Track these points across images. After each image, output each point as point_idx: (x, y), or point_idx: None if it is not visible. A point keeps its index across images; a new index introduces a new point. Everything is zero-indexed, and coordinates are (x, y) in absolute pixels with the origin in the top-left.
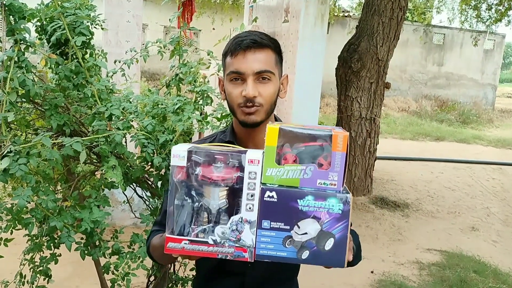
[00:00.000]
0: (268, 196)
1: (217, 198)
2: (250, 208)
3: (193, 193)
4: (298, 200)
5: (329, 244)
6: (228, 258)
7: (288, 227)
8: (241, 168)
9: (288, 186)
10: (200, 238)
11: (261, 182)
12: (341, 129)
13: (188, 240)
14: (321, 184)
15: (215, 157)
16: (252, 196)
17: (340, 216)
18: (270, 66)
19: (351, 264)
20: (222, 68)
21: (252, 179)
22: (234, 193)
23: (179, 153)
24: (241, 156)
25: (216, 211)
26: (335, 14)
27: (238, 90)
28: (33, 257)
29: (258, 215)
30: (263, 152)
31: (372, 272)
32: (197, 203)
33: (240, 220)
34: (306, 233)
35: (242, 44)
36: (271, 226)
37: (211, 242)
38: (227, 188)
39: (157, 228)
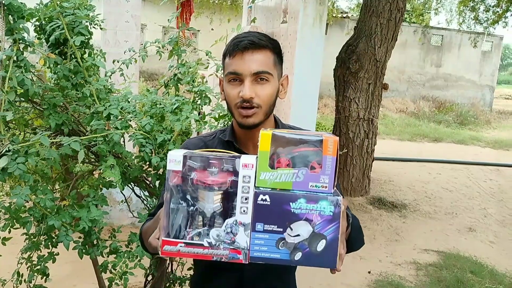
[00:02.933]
0: (262, 200)
1: (211, 202)
2: (244, 211)
3: (188, 197)
4: (291, 203)
5: (321, 246)
6: (222, 260)
7: (281, 229)
8: (235, 172)
9: (281, 189)
10: (195, 241)
11: (254, 186)
12: (331, 134)
13: (184, 242)
14: (312, 186)
15: (209, 162)
16: (246, 199)
17: (331, 218)
18: (268, 67)
19: (352, 249)
20: (222, 69)
21: (246, 183)
22: (229, 197)
23: (175, 158)
24: (235, 161)
25: (210, 214)
26: (334, 15)
27: (235, 90)
28: (31, 256)
29: (252, 218)
30: (257, 157)
31: (369, 272)
32: (192, 207)
33: (234, 222)
34: (298, 235)
35: (240, 45)
36: (265, 228)
37: (206, 244)
38: (222, 192)
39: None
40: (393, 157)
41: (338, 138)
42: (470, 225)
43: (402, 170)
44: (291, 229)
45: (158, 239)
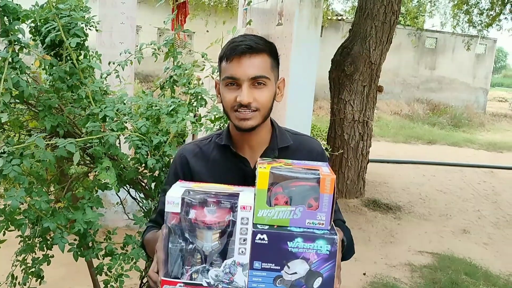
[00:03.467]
0: (259, 239)
1: (210, 241)
2: (242, 251)
3: (186, 235)
4: (288, 242)
5: (317, 283)
6: None
7: (279, 267)
8: (233, 209)
9: (279, 225)
10: (194, 279)
11: (252, 223)
12: (328, 168)
13: (183, 282)
14: (310, 223)
15: (208, 200)
16: (244, 240)
17: (328, 257)
18: (266, 71)
19: (344, 258)
20: (218, 71)
21: (244, 225)
22: (227, 235)
23: (173, 200)
24: (234, 202)
25: (209, 252)
26: (329, 17)
27: (232, 95)
28: (25, 258)
29: (250, 256)
30: (255, 194)
31: (364, 274)
32: (190, 245)
33: (233, 263)
34: (295, 273)
35: (237, 50)
36: (262, 266)
37: (205, 284)
38: (220, 231)
39: (152, 225)
40: (387, 159)
41: (335, 176)
42: (464, 227)
43: (396, 172)
44: (288, 267)
45: (157, 272)
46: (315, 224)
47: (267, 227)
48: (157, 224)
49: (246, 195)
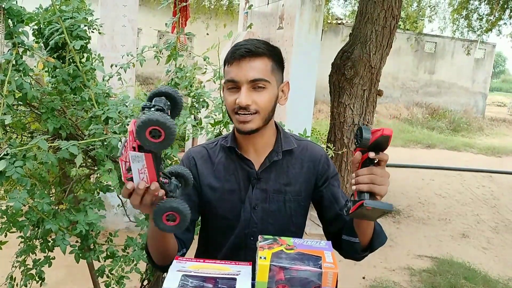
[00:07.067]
0: None
1: None
2: None
3: None
4: None
5: None
6: None
7: None
8: None
9: None
10: None
11: None
12: (331, 254)
13: None
14: None
15: (204, 285)
16: None
17: None
18: (265, 74)
19: (371, 249)
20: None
21: None
22: None
23: (170, 287)
24: (231, 285)
25: None
26: (329, 21)
27: (233, 97)
28: (25, 259)
29: None
30: (253, 283)
31: (363, 278)
32: None
33: None
34: None
35: (237, 53)
36: None
37: None
38: None
39: None
40: (386, 163)
41: (337, 270)
42: (463, 231)
43: (395, 176)
44: None
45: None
46: None
47: None
48: None
49: (243, 282)
